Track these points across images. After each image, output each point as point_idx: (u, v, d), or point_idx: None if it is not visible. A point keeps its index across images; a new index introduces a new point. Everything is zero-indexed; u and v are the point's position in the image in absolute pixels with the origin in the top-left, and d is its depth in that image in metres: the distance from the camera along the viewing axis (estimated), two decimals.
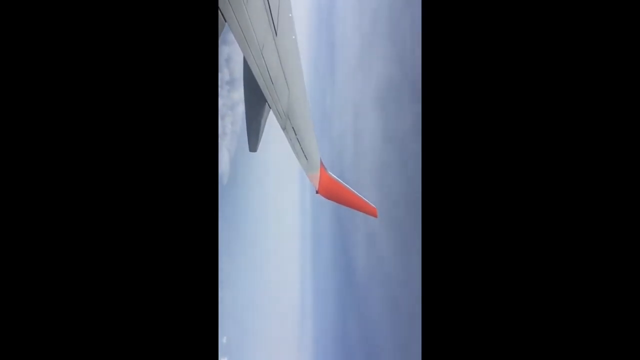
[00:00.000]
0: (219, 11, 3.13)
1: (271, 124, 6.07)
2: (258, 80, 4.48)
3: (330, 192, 8.17)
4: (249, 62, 4.16)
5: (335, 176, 8.08)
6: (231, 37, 3.65)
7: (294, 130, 5.60)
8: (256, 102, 5.87)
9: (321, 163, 7.47)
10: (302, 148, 6.09)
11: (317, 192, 8.00)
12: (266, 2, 3.81)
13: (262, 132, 6.57)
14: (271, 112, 5.55)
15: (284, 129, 5.51)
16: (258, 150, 6.78)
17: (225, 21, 3.35)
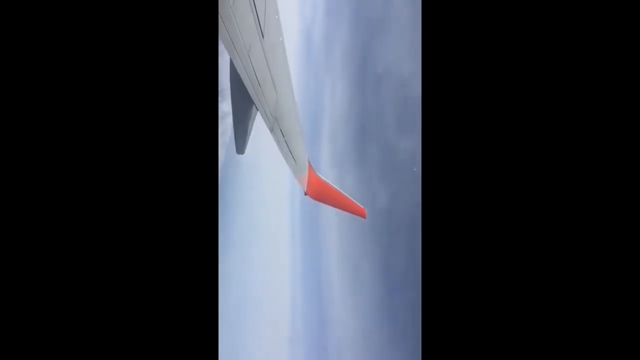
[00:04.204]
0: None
1: (259, 126, 6.05)
2: (245, 83, 4.46)
3: (319, 193, 8.16)
4: (235, 65, 4.14)
5: (323, 177, 8.08)
6: (219, 46, 3.63)
7: (281, 132, 5.58)
8: (243, 104, 5.84)
9: (309, 164, 7.46)
10: (290, 150, 6.07)
11: (305, 194, 7.99)
12: (252, 4, 3.80)
13: (250, 134, 6.54)
14: (259, 114, 5.53)
15: (271, 131, 5.49)
16: (246, 153, 6.75)
17: None
